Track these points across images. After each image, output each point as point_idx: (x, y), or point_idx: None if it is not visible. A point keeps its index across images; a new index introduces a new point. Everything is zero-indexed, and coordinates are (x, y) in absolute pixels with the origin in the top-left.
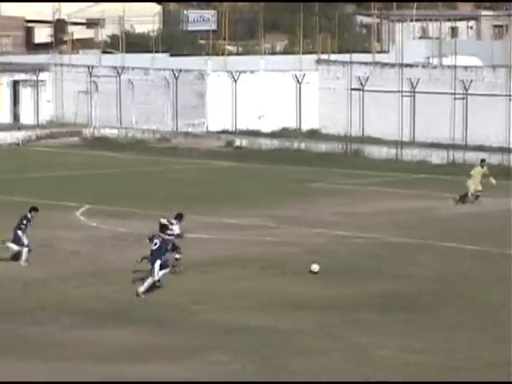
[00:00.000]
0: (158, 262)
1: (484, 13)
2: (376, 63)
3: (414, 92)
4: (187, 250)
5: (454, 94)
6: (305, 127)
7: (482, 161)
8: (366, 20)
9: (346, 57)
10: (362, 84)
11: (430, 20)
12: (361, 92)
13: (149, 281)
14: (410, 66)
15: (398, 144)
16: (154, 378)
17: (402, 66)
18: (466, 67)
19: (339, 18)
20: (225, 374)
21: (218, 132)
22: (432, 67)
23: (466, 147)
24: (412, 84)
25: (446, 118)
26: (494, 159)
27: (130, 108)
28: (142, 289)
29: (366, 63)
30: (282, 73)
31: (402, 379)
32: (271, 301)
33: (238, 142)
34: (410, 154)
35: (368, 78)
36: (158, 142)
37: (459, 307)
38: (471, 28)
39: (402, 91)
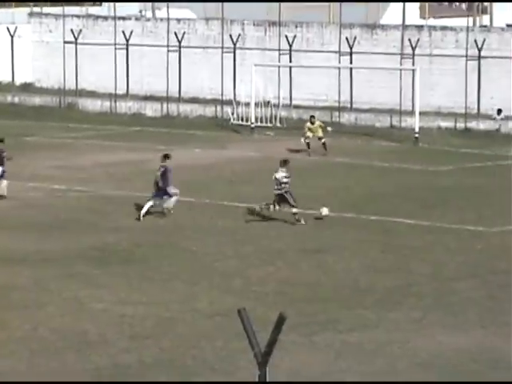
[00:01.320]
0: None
1: None
2: (89, 16)
3: (128, 45)
4: None
5: (168, 46)
6: (18, 81)
7: (312, 117)
8: None
9: (59, 9)
10: (75, 37)
11: None
12: (74, 45)
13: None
14: (123, 18)
15: (113, 97)
16: None
17: (115, 18)
18: (178, 20)
19: None
20: None
21: None
22: (145, 20)
23: (180, 99)
24: (125, 37)
25: (160, 70)
26: (208, 111)
27: None
28: (168, 206)
29: (79, 16)
30: None
31: (118, 332)
32: None
33: None
34: (124, 107)
35: (81, 30)
36: None
37: (175, 258)
38: None
39: (115, 44)
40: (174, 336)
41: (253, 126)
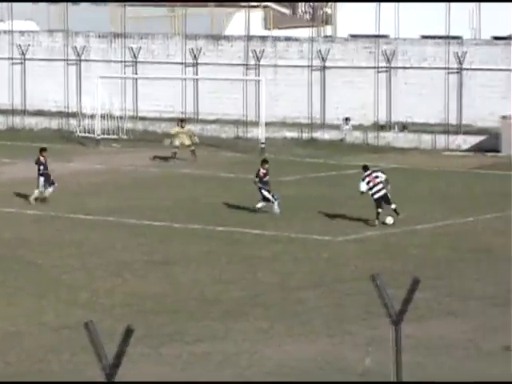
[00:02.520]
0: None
1: None
2: None
3: None
4: None
5: (12, 58)
6: None
7: (182, 121)
8: None
9: None
10: None
11: None
12: None
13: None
14: None
15: None
16: None
17: None
18: (22, 32)
19: None
20: None
21: None
22: None
23: (25, 112)
24: None
25: (4, 83)
26: (54, 124)
27: None
28: (259, 205)
29: None
30: None
31: None
32: None
33: None
34: None
35: None
36: None
37: (21, 272)
38: None
39: None
40: (20, 350)
41: (98, 138)
